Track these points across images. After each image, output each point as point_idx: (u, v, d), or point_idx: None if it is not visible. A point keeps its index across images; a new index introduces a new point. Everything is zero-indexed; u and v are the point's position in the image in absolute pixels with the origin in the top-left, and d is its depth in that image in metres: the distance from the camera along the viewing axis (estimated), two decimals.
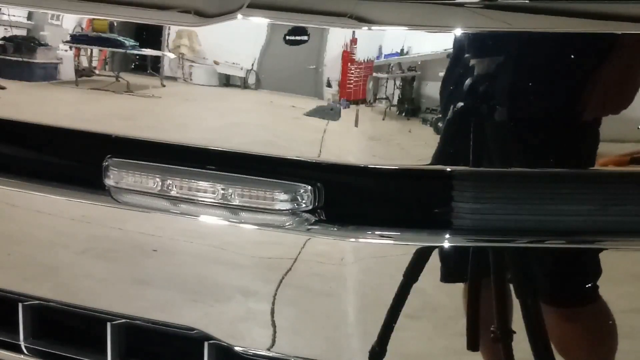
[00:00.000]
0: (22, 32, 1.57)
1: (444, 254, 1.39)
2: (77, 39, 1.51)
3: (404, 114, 1.35)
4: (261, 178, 1.46)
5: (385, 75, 1.35)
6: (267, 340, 1.48)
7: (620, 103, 1.30)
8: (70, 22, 1.52)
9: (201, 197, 1.49)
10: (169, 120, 1.47)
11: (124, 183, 1.53)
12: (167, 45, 1.45)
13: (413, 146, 1.36)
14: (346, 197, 1.46)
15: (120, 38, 1.48)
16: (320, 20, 1.36)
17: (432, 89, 1.33)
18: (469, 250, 1.39)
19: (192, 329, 1.53)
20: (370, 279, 1.43)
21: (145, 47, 1.47)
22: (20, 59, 1.57)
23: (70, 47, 1.52)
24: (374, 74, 1.34)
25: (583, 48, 1.31)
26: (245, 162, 1.46)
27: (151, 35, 1.47)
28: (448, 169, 1.37)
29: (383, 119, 1.36)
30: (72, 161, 1.65)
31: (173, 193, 1.50)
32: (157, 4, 1.47)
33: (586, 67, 1.31)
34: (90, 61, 1.52)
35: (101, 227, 1.56)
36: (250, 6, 1.38)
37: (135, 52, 1.47)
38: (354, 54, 1.34)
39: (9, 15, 1.56)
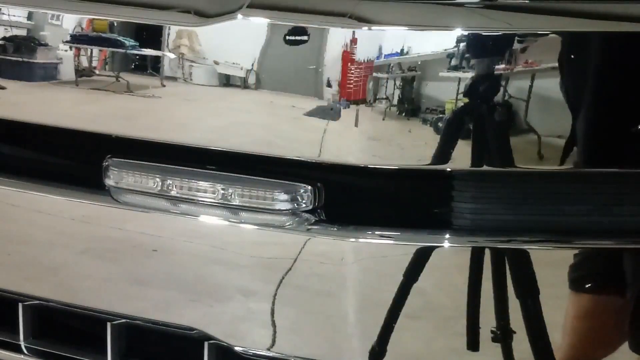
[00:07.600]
0: (22, 32, 1.57)
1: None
2: (77, 39, 1.51)
3: (404, 114, 1.35)
4: (261, 178, 1.46)
5: (385, 75, 1.35)
6: (267, 340, 1.48)
7: (620, 103, 1.31)
8: (70, 22, 1.52)
9: (201, 197, 1.49)
10: (169, 120, 1.47)
11: (124, 183, 1.53)
12: (167, 45, 1.45)
13: (413, 146, 1.36)
14: (346, 197, 1.46)
15: (120, 38, 1.48)
16: (320, 20, 1.36)
17: (432, 89, 1.33)
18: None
19: (192, 329, 1.53)
20: (371, 279, 1.43)
21: (145, 47, 1.47)
22: (20, 59, 1.57)
23: (70, 47, 1.52)
24: (374, 74, 1.34)
25: (581, 47, 1.31)
26: (245, 162, 1.46)
27: (151, 35, 1.46)
28: (448, 169, 1.37)
29: (383, 119, 1.36)
30: (72, 161, 1.65)
31: (173, 193, 1.50)
32: (157, 4, 1.47)
33: (584, 67, 1.31)
34: (90, 61, 1.52)
35: (101, 227, 1.56)
36: (250, 6, 1.38)
37: (135, 52, 1.47)
38: (354, 54, 1.34)
39: (9, 15, 1.56)
